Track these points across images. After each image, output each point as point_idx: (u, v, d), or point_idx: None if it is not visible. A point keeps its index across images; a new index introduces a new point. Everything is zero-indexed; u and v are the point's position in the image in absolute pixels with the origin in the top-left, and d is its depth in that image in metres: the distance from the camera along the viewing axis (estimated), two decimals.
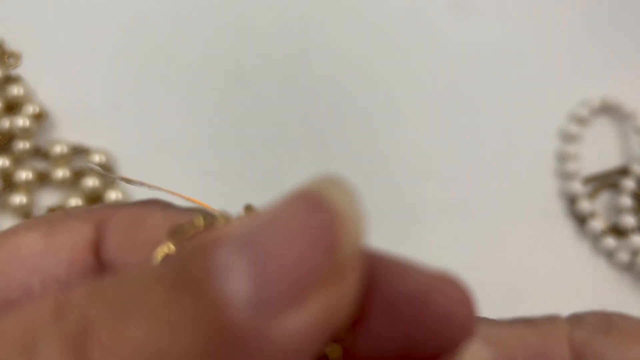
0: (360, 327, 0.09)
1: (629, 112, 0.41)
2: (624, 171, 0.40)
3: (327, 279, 0.08)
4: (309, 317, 0.08)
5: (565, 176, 0.40)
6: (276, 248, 0.08)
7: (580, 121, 0.41)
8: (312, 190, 0.09)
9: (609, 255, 0.39)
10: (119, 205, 0.14)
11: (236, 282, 0.08)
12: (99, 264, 0.13)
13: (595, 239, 0.39)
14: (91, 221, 0.14)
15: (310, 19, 0.42)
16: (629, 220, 0.38)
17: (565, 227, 0.39)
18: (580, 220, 0.39)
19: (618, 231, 0.39)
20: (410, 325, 0.09)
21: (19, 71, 0.37)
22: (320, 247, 0.08)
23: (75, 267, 0.13)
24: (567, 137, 0.41)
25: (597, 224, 0.39)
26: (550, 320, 0.14)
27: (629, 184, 0.39)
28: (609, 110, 0.42)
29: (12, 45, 0.37)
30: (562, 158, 0.40)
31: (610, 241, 0.38)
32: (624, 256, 0.38)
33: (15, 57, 0.37)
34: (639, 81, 0.43)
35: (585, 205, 0.39)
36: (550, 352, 0.13)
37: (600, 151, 0.41)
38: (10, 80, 0.37)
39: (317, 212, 0.08)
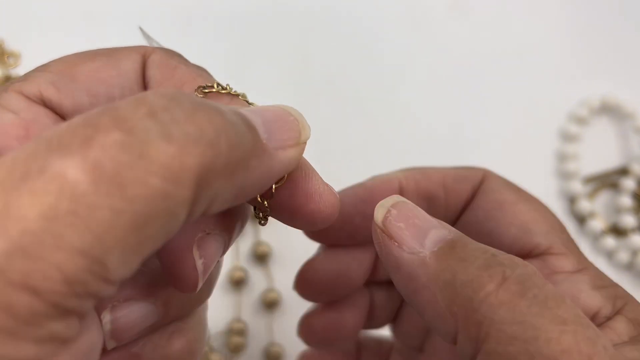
0: (282, 190, 0.18)
1: (629, 112, 0.41)
2: (623, 171, 0.40)
3: (295, 145, 0.17)
4: (289, 154, 0.17)
5: (565, 176, 0.40)
6: (274, 119, 0.17)
7: (580, 121, 0.41)
8: (283, 107, 0.18)
9: (609, 255, 0.39)
10: (152, 47, 0.21)
11: (260, 131, 0.16)
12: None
13: (595, 238, 0.39)
14: (139, 52, 0.21)
15: (310, 19, 0.42)
16: (628, 220, 0.38)
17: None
18: (580, 220, 0.39)
19: (618, 231, 0.39)
20: (304, 203, 0.18)
21: (18, 71, 0.37)
22: (294, 131, 0.17)
23: (135, 89, 0.20)
24: (567, 137, 0.41)
25: (597, 223, 0.39)
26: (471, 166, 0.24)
27: (628, 183, 0.39)
28: (609, 110, 0.42)
29: (12, 45, 0.37)
30: (562, 158, 0.40)
31: (610, 241, 0.38)
32: (623, 256, 0.38)
33: (15, 57, 0.37)
34: (639, 81, 0.43)
35: (585, 205, 0.39)
36: (470, 176, 0.24)
37: (600, 151, 0.41)
38: (10, 80, 0.37)
39: (290, 116, 0.17)
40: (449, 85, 0.42)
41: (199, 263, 0.18)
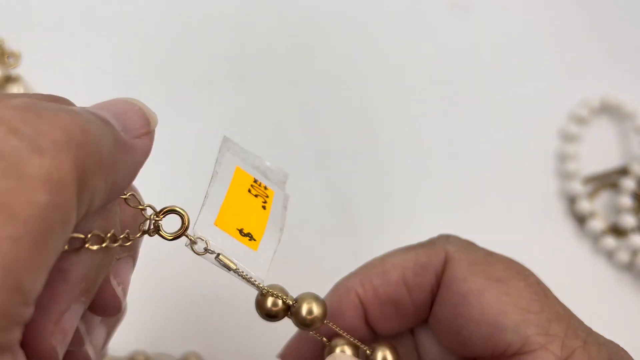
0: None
1: (629, 112, 0.41)
2: (623, 171, 0.40)
3: (146, 132, 0.17)
4: (145, 142, 0.17)
5: (565, 176, 0.40)
6: (122, 112, 0.17)
7: (580, 121, 0.41)
8: (125, 99, 0.18)
9: (609, 255, 0.39)
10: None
11: (115, 124, 0.16)
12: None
13: (595, 238, 0.39)
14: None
15: (310, 18, 0.42)
16: (628, 220, 0.38)
17: (565, 227, 0.39)
18: (580, 220, 0.39)
19: (618, 231, 0.39)
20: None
21: (19, 71, 0.37)
22: (145, 121, 0.17)
23: None
24: (567, 137, 0.41)
25: (597, 223, 0.39)
26: (433, 240, 0.23)
27: (628, 184, 0.39)
28: (609, 110, 0.42)
29: (12, 45, 0.37)
30: (562, 158, 0.40)
31: (610, 241, 0.38)
32: (623, 256, 0.38)
33: (15, 57, 0.37)
34: (639, 81, 0.43)
35: (585, 205, 0.39)
36: (431, 263, 0.21)
37: (600, 151, 0.41)
38: (10, 80, 0.37)
39: (135, 106, 0.17)
40: (448, 85, 0.42)
41: (119, 290, 0.19)
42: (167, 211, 0.19)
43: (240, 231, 0.19)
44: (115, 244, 0.17)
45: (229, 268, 0.19)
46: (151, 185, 0.38)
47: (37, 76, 0.37)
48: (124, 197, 0.18)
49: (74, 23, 0.39)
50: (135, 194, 0.19)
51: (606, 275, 0.38)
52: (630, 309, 0.38)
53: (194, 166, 0.37)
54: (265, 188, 0.21)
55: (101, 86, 0.38)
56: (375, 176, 0.39)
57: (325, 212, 0.37)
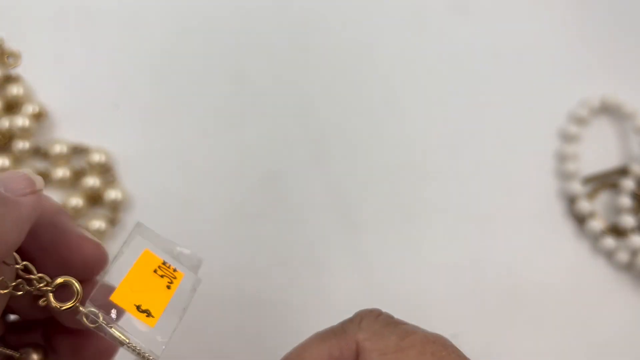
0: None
1: (629, 112, 0.41)
2: (623, 171, 0.40)
3: (32, 191, 0.19)
4: (30, 199, 0.19)
5: (564, 176, 0.40)
6: (6, 177, 0.20)
7: (580, 121, 0.41)
8: (12, 170, 0.21)
9: (609, 255, 0.39)
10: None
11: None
12: None
13: (594, 238, 0.39)
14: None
15: (310, 18, 0.42)
16: (628, 220, 0.38)
17: (565, 227, 0.39)
18: (580, 220, 0.39)
19: (617, 231, 0.39)
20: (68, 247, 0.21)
21: (19, 71, 0.37)
22: (29, 182, 0.20)
23: None
24: (567, 137, 0.41)
25: (597, 224, 0.39)
26: (345, 327, 0.21)
27: (628, 184, 0.39)
28: (609, 110, 0.42)
29: (12, 45, 0.37)
30: (562, 158, 0.40)
31: (609, 241, 0.38)
32: (623, 256, 0.38)
33: (15, 57, 0.37)
34: (639, 81, 0.43)
35: (584, 205, 0.39)
36: (343, 357, 0.20)
37: (600, 151, 0.41)
38: (10, 80, 0.37)
39: (20, 172, 0.20)
40: (448, 85, 0.42)
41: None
42: (60, 283, 0.20)
43: (138, 307, 0.20)
44: (5, 291, 0.19)
45: (121, 342, 0.19)
46: (148, 184, 0.38)
47: (37, 76, 0.37)
48: (18, 266, 0.19)
49: (74, 23, 0.39)
50: (29, 265, 0.20)
51: (606, 276, 0.38)
52: (630, 309, 0.38)
53: (191, 165, 0.37)
54: (175, 270, 0.21)
55: (101, 86, 0.38)
56: (375, 176, 0.39)
57: (325, 212, 0.37)
